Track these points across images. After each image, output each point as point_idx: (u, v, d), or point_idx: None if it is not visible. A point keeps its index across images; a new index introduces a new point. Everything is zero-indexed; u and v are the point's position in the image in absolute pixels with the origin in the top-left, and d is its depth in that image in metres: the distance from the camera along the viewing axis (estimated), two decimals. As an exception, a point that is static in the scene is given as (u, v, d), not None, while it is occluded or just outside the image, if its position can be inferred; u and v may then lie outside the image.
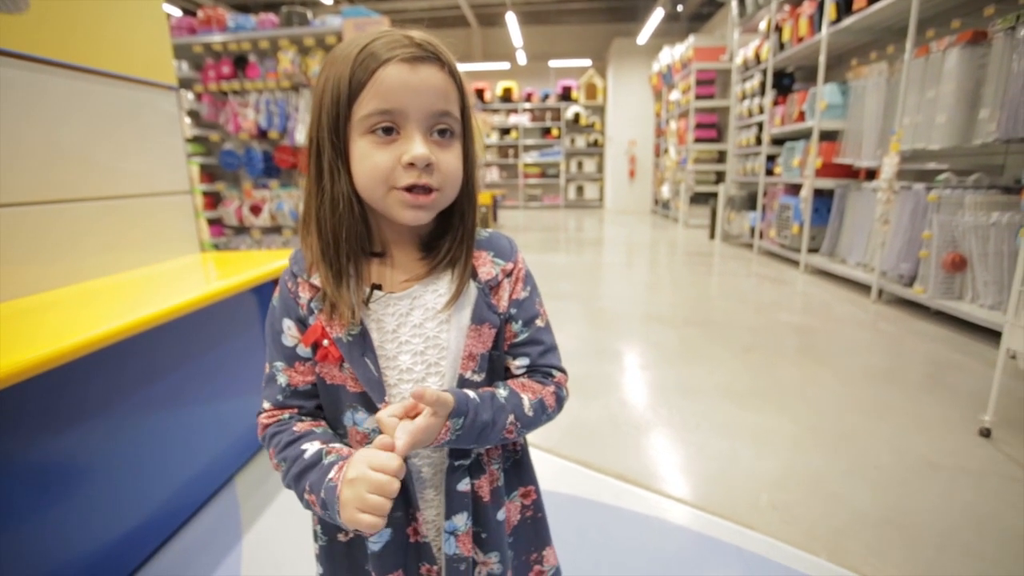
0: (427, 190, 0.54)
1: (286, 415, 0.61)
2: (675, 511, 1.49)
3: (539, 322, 0.65)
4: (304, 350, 0.60)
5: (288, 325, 0.60)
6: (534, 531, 0.70)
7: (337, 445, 0.57)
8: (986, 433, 1.81)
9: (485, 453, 0.63)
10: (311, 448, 0.56)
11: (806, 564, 1.28)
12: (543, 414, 0.62)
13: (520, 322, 0.63)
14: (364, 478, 0.49)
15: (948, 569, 1.26)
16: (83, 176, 1.48)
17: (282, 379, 0.61)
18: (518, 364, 0.64)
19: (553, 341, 0.67)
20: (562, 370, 0.66)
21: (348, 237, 0.56)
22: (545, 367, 0.65)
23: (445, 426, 0.54)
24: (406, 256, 0.61)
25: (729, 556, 1.31)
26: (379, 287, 0.59)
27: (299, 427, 0.60)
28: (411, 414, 0.53)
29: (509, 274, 0.63)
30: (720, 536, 1.38)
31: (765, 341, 2.88)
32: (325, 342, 0.57)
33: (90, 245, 1.51)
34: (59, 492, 1.10)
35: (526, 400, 0.61)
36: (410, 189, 0.53)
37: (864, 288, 3.75)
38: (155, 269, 1.68)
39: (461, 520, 0.60)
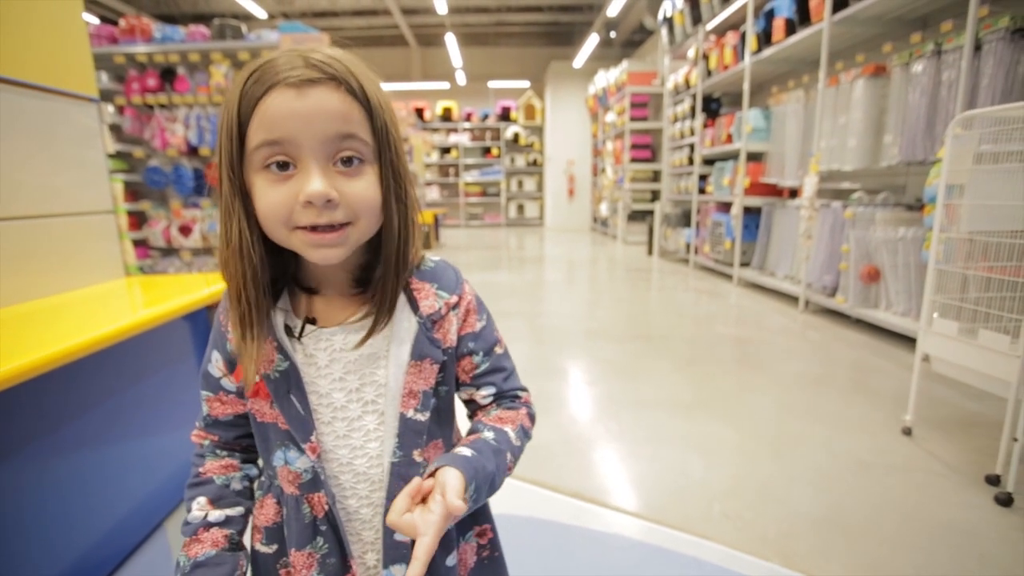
0: (333, 227, 0.49)
1: (207, 442, 0.62)
2: (632, 526, 1.51)
3: (498, 349, 0.64)
4: (228, 384, 0.60)
5: (216, 357, 0.60)
6: (492, 572, 0.67)
7: (208, 529, 0.58)
8: (908, 432, 1.96)
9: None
10: (193, 511, 0.59)
11: (761, 570, 1.32)
12: (526, 439, 0.63)
13: (480, 353, 0.62)
14: None
15: (889, 563, 1.34)
16: (-12, 195, 1.34)
17: (204, 408, 0.62)
18: (484, 394, 0.63)
19: (513, 364, 0.66)
20: (524, 389, 0.66)
21: (248, 282, 0.51)
22: (511, 392, 0.64)
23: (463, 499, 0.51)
24: (339, 291, 0.57)
25: (687, 567, 1.33)
26: (313, 321, 0.56)
27: (205, 467, 0.61)
28: (417, 498, 0.49)
29: (454, 307, 0.60)
30: (678, 548, 1.40)
31: (705, 352, 3.00)
32: (256, 378, 0.55)
33: (0, 270, 1.36)
34: (-43, 553, 0.96)
35: (511, 432, 0.60)
36: (313, 228, 0.49)
37: (792, 299, 4.00)
38: (75, 295, 1.54)
39: (400, 571, 0.56)
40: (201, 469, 0.60)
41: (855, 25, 3.37)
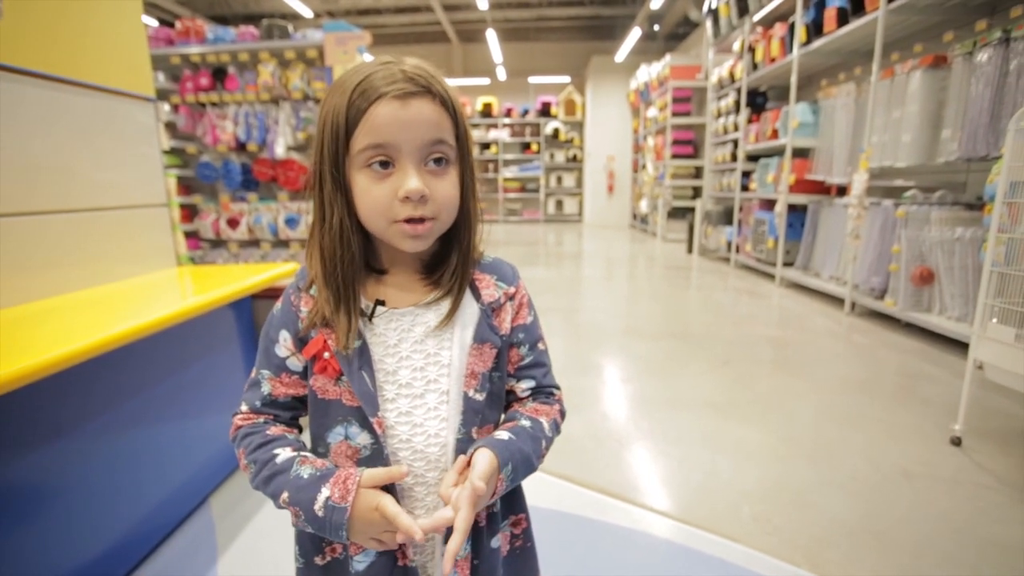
0: (423, 220, 0.56)
1: (261, 419, 0.62)
2: (659, 524, 1.50)
3: (541, 345, 0.68)
4: (294, 363, 0.62)
5: (284, 337, 0.62)
6: (523, 561, 0.70)
7: (309, 456, 0.59)
8: (957, 442, 1.86)
9: None
10: (283, 454, 0.58)
11: (788, 574, 1.29)
12: (556, 433, 0.66)
13: (526, 346, 0.66)
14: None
15: (924, 575, 1.29)
16: (57, 188, 1.44)
17: (265, 387, 0.62)
18: (523, 387, 0.67)
19: (550, 362, 0.70)
20: (558, 387, 0.70)
21: (345, 264, 0.58)
22: (548, 387, 0.68)
23: (499, 478, 0.56)
24: (409, 277, 0.63)
25: (713, 568, 1.32)
26: (382, 303, 0.61)
27: (272, 431, 0.61)
28: (463, 474, 0.55)
29: (511, 298, 0.65)
30: (703, 548, 1.39)
31: (743, 353, 2.92)
32: (326, 355, 0.58)
33: (64, 258, 1.46)
34: (26, 514, 1.05)
35: (545, 423, 0.64)
36: (408, 221, 0.55)
37: (837, 301, 3.85)
38: (131, 283, 1.64)
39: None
40: (269, 432, 0.60)
41: (913, 13, 3.20)
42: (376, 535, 0.54)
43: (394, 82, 0.53)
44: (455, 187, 0.58)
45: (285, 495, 0.55)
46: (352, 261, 0.58)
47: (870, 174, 3.38)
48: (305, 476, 0.55)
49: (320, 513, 0.53)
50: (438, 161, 0.56)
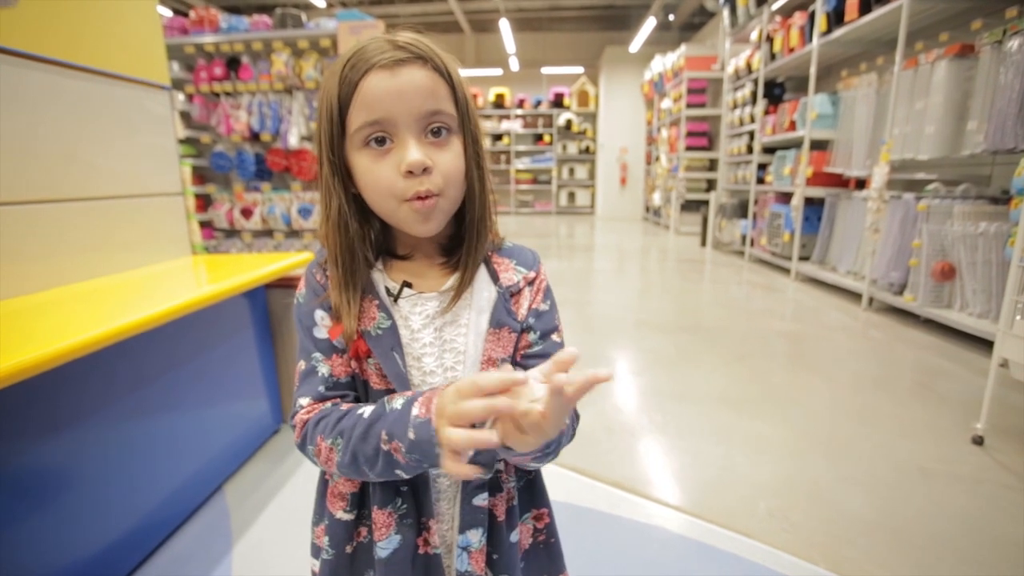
0: (428, 195, 0.53)
1: (328, 404, 0.57)
2: (673, 519, 1.48)
3: (556, 337, 0.63)
4: (339, 342, 0.59)
5: (320, 316, 0.59)
6: (547, 557, 0.68)
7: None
8: (979, 441, 1.82)
9: (504, 470, 0.62)
10: (370, 408, 0.53)
11: (804, 572, 1.27)
12: (572, 428, 0.60)
13: (537, 332, 0.62)
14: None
15: (944, 575, 1.26)
16: (73, 175, 1.45)
17: (324, 369, 0.58)
18: None
19: None
20: None
21: (345, 253, 0.56)
22: None
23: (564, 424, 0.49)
24: (430, 262, 0.61)
25: (728, 564, 1.30)
26: (410, 284, 0.59)
27: (347, 406, 0.56)
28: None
29: (531, 283, 0.63)
30: (718, 544, 1.37)
31: (757, 348, 2.89)
32: (355, 334, 0.57)
33: (80, 246, 1.47)
34: (43, 501, 1.06)
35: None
36: (416, 197, 0.53)
37: (855, 296, 3.79)
38: (146, 271, 1.65)
39: (475, 536, 0.59)
40: (343, 407, 0.56)
41: (940, 0, 3.11)
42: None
43: (383, 52, 0.51)
44: (459, 157, 0.55)
45: (384, 434, 0.50)
46: (351, 248, 0.56)
47: (891, 167, 3.31)
48: (399, 406, 0.50)
49: (412, 436, 0.48)
50: (437, 132, 0.53)
